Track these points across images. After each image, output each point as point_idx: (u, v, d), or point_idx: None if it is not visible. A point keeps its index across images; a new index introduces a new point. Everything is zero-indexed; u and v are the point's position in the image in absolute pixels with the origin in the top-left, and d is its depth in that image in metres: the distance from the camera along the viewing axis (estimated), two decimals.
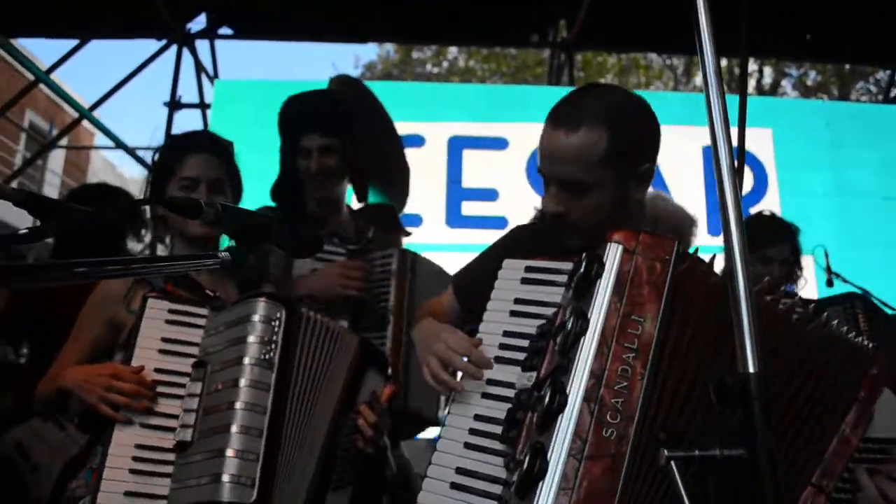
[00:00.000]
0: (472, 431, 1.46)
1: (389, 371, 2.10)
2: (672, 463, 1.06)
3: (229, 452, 1.58)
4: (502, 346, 1.53)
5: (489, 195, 5.42)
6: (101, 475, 1.62)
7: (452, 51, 17.20)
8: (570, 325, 1.39)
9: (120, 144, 6.03)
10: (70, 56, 5.97)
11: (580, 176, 1.61)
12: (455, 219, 5.36)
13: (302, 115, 2.60)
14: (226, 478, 1.55)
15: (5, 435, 3.04)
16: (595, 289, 1.42)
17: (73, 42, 6.08)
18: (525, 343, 1.50)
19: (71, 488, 1.89)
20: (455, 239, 5.04)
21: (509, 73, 16.20)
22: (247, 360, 1.66)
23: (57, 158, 15.03)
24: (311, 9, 6.09)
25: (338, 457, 1.86)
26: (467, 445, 1.46)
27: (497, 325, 1.55)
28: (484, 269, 1.72)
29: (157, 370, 1.72)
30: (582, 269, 1.44)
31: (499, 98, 6.18)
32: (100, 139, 12.80)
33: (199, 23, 6.40)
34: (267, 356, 1.68)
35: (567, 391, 1.34)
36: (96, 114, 6.02)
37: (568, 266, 1.52)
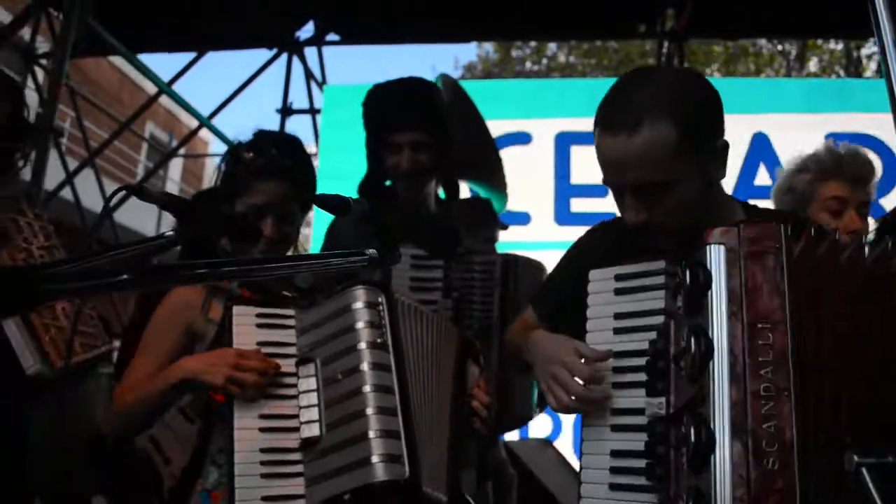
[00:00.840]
0: (614, 470, 1.40)
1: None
2: (863, 469, 0.98)
3: (372, 434, 1.56)
4: (616, 370, 1.46)
5: (598, 191, 5.26)
6: (232, 486, 1.61)
7: (552, 47, 17.02)
8: (693, 348, 1.28)
9: None
10: (188, 68, 6.26)
11: (659, 177, 1.45)
12: (564, 216, 5.28)
13: (390, 109, 2.47)
14: (375, 458, 1.54)
15: None
16: (708, 301, 1.30)
17: (185, 56, 6.39)
18: (638, 361, 1.41)
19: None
20: (564, 236, 4.95)
21: (611, 66, 15.89)
22: (362, 346, 1.65)
23: (176, 167, 15.83)
24: (412, 12, 6.15)
25: (462, 436, 1.83)
26: (613, 487, 1.40)
27: (603, 347, 1.48)
28: (564, 287, 1.66)
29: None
30: (688, 280, 1.32)
31: (604, 92, 6.03)
32: (213, 147, 13.38)
33: (307, 31, 6.61)
34: (380, 339, 1.67)
35: (712, 425, 1.24)
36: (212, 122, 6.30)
37: (659, 265, 1.43)
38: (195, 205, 1.43)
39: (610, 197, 1.61)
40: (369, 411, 1.59)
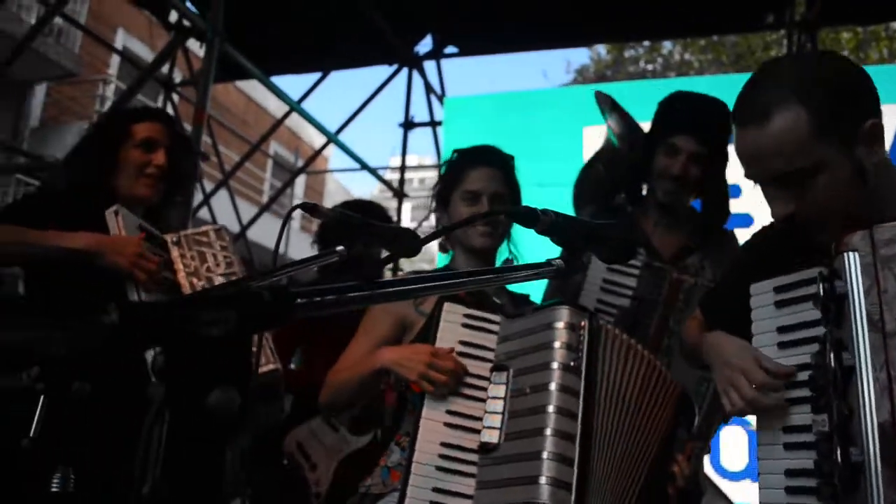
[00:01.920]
0: (790, 490, 1.37)
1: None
2: None
3: (545, 455, 1.57)
4: (787, 385, 1.42)
5: (731, 192, 5.13)
6: (408, 471, 1.68)
7: (667, 45, 16.59)
8: (833, 363, 1.25)
9: (364, 166, 6.43)
10: (314, 88, 6.50)
11: (798, 164, 1.39)
12: None
13: (685, 113, 2.49)
14: (543, 479, 1.55)
15: (289, 435, 3.31)
16: (846, 312, 1.26)
17: (300, 77, 6.62)
18: (803, 375, 1.38)
19: (365, 485, 1.98)
20: None
21: (729, 62, 15.32)
22: (555, 365, 1.66)
23: (299, 184, 16.45)
24: (526, 19, 6.14)
25: (656, 490, 1.77)
26: None
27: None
28: (731, 294, 1.62)
29: None
30: (823, 290, 1.29)
31: (731, 89, 5.82)
32: (332, 163, 13.82)
33: (425, 45, 6.72)
34: (573, 362, 1.67)
35: (861, 452, 1.20)
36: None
37: (812, 273, 1.37)
38: (362, 220, 1.46)
39: (742, 198, 1.57)
40: (548, 431, 1.60)
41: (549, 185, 4.39)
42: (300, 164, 14.95)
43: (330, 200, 18.53)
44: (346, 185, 20.15)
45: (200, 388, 0.55)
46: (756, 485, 1.43)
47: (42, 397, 1.04)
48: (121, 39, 11.61)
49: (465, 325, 1.82)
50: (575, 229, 1.04)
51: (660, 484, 1.76)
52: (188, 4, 4.66)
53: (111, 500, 1.27)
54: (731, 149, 1.59)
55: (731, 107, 1.52)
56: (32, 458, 1.02)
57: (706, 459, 2.59)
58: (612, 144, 2.96)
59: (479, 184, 2.13)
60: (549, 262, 0.98)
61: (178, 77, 7.27)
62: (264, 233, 10.22)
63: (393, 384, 2.02)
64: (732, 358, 1.50)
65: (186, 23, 7.12)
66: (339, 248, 1.43)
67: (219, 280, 2.19)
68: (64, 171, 2.42)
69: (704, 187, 2.51)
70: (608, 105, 2.96)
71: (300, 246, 13.66)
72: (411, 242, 1.60)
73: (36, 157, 6.63)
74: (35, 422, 1.05)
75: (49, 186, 4.24)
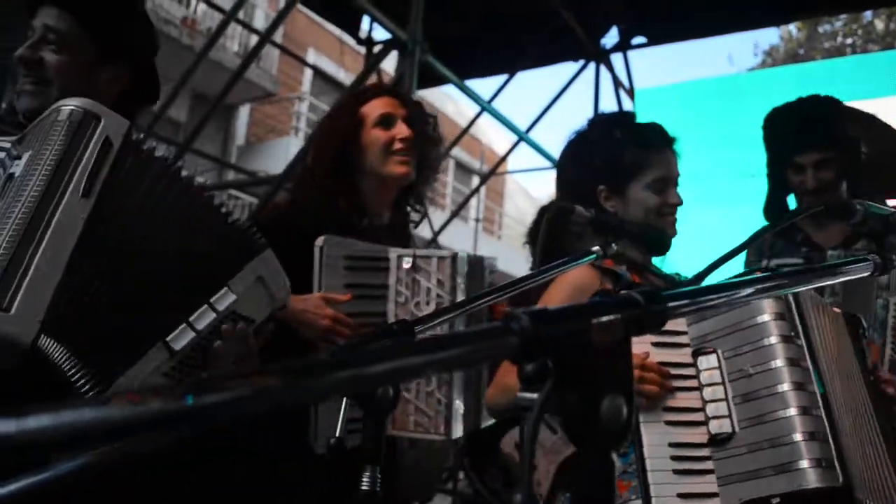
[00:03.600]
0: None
1: None
2: None
3: (798, 437, 1.47)
4: None
5: None
6: (645, 482, 1.59)
7: (867, 15, 15.24)
8: None
9: (556, 164, 6.39)
10: (502, 89, 6.55)
11: None
12: None
13: (792, 132, 2.51)
14: (805, 463, 1.45)
15: (506, 435, 3.34)
16: None
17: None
18: None
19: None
20: None
21: None
22: (773, 339, 1.55)
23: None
24: (715, 2, 5.87)
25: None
26: None
27: None
28: None
29: (660, 363, 1.66)
30: None
31: None
32: (511, 165, 13.88)
33: (611, 37, 6.59)
34: (792, 332, 1.56)
35: None
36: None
37: None
38: (616, 218, 1.44)
39: None
40: (791, 412, 1.49)
41: (761, 174, 4.18)
42: (480, 166, 15.20)
43: (510, 201, 18.67)
44: (525, 185, 20.23)
45: (592, 398, 0.54)
46: None
47: (345, 399, 1.09)
48: (312, 58, 12.33)
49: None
50: (888, 221, 0.95)
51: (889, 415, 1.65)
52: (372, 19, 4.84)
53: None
54: None
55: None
56: (339, 456, 1.08)
57: None
58: None
59: (666, 169, 1.92)
60: (864, 258, 0.89)
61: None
62: (452, 237, 10.48)
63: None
64: None
65: (376, 37, 7.46)
66: (595, 248, 1.41)
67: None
68: (293, 187, 2.31)
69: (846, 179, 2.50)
70: None
71: (487, 249, 13.86)
72: (663, 239, 1.57)
73: (250, 173, 7.15)
74: (340, 422, 1.11)
75: (267, 201, 4.57)
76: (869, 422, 1.62)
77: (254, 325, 1.42)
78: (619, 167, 1.94)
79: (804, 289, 1.57)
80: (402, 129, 2.10)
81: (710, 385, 1.62)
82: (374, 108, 2.14)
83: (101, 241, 1.27)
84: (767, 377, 1.54)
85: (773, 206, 2.63)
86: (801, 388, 1.52)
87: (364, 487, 1.01)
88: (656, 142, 1.94)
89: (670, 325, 1.68)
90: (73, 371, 1.19)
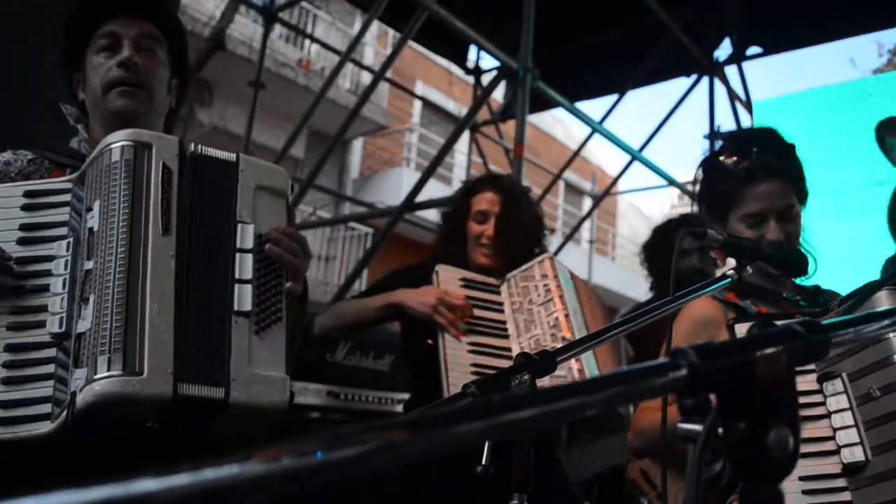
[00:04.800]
0: None
1: None
2: None
3: None
4: None
5: None
6: None
7: None
8: None
9: (672, 182, 6.28)
10: (613, 108, 6.51)
11: None
12: None
13: None
14: None
15: (631, 462, 3.29)
16: None
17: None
18: None
19: None
20: None
21: None
22: None
23: (588, 205, 16.59)
24: (833, 5, 5.62)
25: None
26: None
27: None
28: None
29: None
30: None
31: None
32: (622, 185, 13.69)
33: (723, 49, 6.44)
34: None
35: None
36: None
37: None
38: (750, 241, 1.42)
39: None
40: None
41: (891, 182, 3.98)
42: (592, 187, 15.05)
43: (623, 221, 18.36)
44: (637, 204, 19.86)
45: (758, 430, 0.54)
46: None
47: None
48: (420, 90, 12.62)
49: None
50: None
51: None
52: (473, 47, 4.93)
53: None
54: None
55: None
56: (486, 484, 1.11)
57: None
58: None
59: (759, 204, 1.78)
60: None
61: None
62: (565, 260, 10.39)
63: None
64: None
65: (484, 66, 7.56)
66: (730, 271, 1.39)
67: (537, 311, 2.27)
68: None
69: None
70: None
71: (601, 270, 13.68)
72: (800, 260, 1.52)
73: (367, 204, 7.35)
74: (486, 450, 1.14)
75: (387, 232, 4.69)
76: None
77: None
78: (716, 196, 1.86)
79: None
80: (489, 229, 2.45)
81: (838, 411, 1.55)
82: (477, 203, 2.51)
83: (186, 268, 1.34)
84: (894, 399, 1.46)
85: None
86: None
87: None
88: (756, 172, 1.78)
89: None
90: (212, 394, 1.29)
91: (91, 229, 1.34)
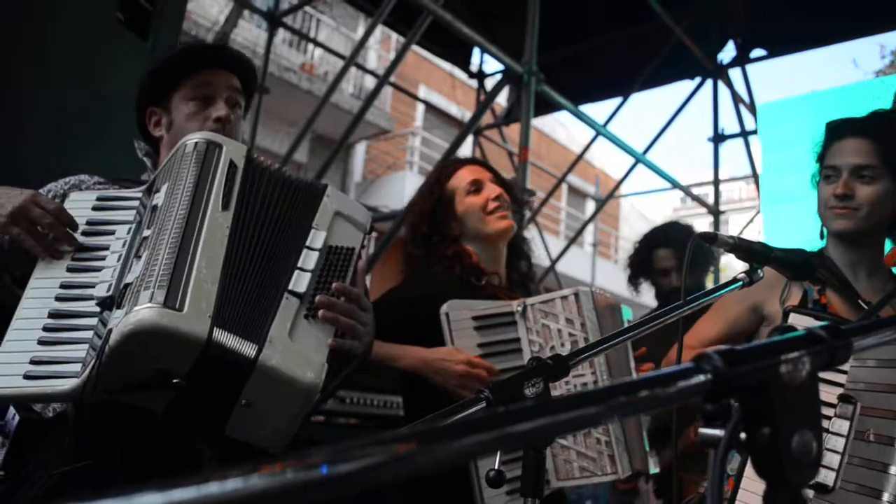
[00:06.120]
0: None
1: None
2: None
3: (886, 497, 1.40)
4: None
5: None
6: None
7: None
8: None
9: (676, 185, 6.28)
10: (617, 111, 6.50)
11: None
12: None
13: None
14: None
15: None
16: None
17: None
18: None
19: (705, 485, 1.89)
20: None
21: None
22: None
23: (592, 208, 16.58)
24: (836, 8, 5.62)
25: None
26: None
27: None
28: None
29: None
30: None
31: None
32: (624, 187, 13.69)
33: (727, 52, 6.44)
34: None
35: None
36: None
37: None
38: (760, 244, 1.41)
39: None
40: (885, 497, 1.41)
41: None
42: (595, 190, 15.05)
43: (625, 223, 18.35)
44: (639, 207, 19.85)
45: (782, 434, 0.54)
46: None
47: None
48: (423, 93, 12.63)
49: None
50: None
51: None
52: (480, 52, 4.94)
53: None
54: None
55: None
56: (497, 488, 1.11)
57: None
58: None
59: (837, 158, 1.84)
60: None
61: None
62: (568, 263, 10.42)
63: None
64: None
65: (487, 69, 7.57)
66: (741, 275, 1.39)
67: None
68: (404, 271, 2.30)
69: None
70: None
71: (603, 273, 13.67)
72: (808, 266, 1.51)
73: (370, 208, 7.33)
74: (498, 455, 1.13)
75: (392, 235, 4.69)
76: None
77: (355, 252, 1.54)
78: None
79: None
80: (492, 189, 2.20)
81: (835, 434, 1.54)
82: (461, 179, 2.24)
83: (240, 240, 1.40)
84: (882, 452, 1.46)
85: None
86: None
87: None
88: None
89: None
90: (244, 349, 1.30)
91: (155, 206, 1.42)
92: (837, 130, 1.89)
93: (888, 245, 1.94)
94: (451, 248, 2.18)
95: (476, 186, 2.21)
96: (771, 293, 1.89)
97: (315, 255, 1.47)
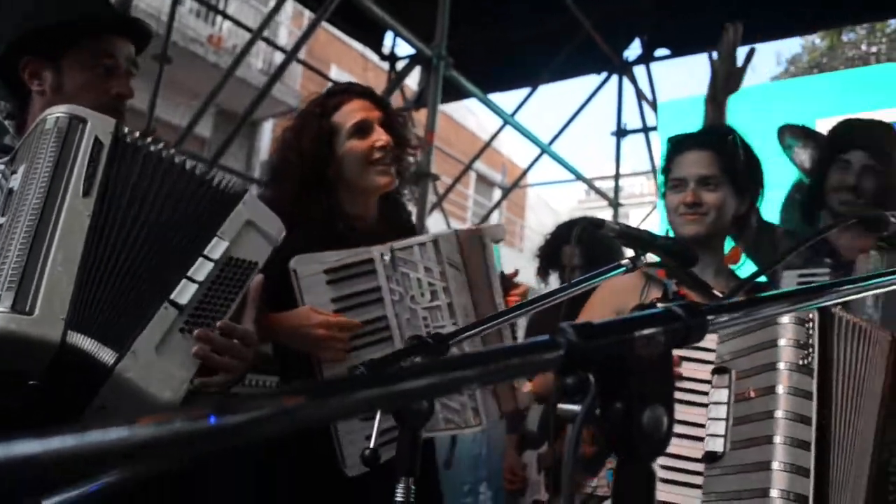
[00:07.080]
0: None
1: None
2: None
3: (776, 465, 1.46)
4: None
5: None
6: None
7: (892, 23, 15.09)
8: None
9: (579, 177, 6.41)
10: (525, 102, 6.58)
11: None
12: None
13: (850, 133, 2.49)
14: (775, 493, 1.44)
15: (525, 451, 3.34)
16: None
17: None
18: None
19: (591, 485, 1.94)
20: None
21: None
22: (782, 366, 1.52)
23: (498, 197, 16.79)
24: (738, 13, 5.84)
25: (890, 473, 1.60)
26: None
27: None
28: None
29: (683, 378, 1.67)
30: None
31: None
32: (531, 178, 13.91)
33: (633, 49, 6.61)
34: (804, 361, 1.53)
35: None
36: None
37: None
38: (645, 232, 1.45)
39: None
40: (777, 440, 1.48)
41: (782, 187, 4.17)
42: (501, 179, 15.23)
43: (532, 213, 18.65)
44: (545, 197, 20.20)
45: (634, 409, 0.55)
46: None
47: (378, 413, 1.11)
48: (335, 74, 12.44)
49: None
50: None
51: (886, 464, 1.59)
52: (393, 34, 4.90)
53: None
54: None
55: None
56: (372, 468, 1.09)
57: None
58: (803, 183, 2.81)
59: (684, 170, 2.00)
60: None
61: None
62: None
63: None
64: None
65: (399, 53, 7.51)
66: (625, 261, 1.42)
67: (422, 314, 1.84)
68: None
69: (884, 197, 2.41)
70: (799, 136, 2.92)
71: (509, 261, 13.85)
72: (689, 253, 1.57)
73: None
74: (374, 433, 1.12)
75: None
76: (870, 456, 1.57)
77: (257, 266, 1.47)
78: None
79: (837, 301, 1.55)
80: (379, 136, 1.96)
81: (716, 403, 1.62)
82: (348, 116, 1.97)
83: (107, 233, 1.31)
84: (766, 402, 1.53)
85: (808, 201, 2.57)
86: (796, 418, 1.50)
87: (399, 499, 1.03)
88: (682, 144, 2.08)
89: (702, 342, 1.68)
90: (101, 355, 1.24)
91: (11, 189, 1.31)
92: (680, 145, 2.08)
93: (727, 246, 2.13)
94: (324, 198, 1.94)
95: (362, 129, 1.96)
96: (632, 295, 1.97)
97: (210, 265, 1.38)
